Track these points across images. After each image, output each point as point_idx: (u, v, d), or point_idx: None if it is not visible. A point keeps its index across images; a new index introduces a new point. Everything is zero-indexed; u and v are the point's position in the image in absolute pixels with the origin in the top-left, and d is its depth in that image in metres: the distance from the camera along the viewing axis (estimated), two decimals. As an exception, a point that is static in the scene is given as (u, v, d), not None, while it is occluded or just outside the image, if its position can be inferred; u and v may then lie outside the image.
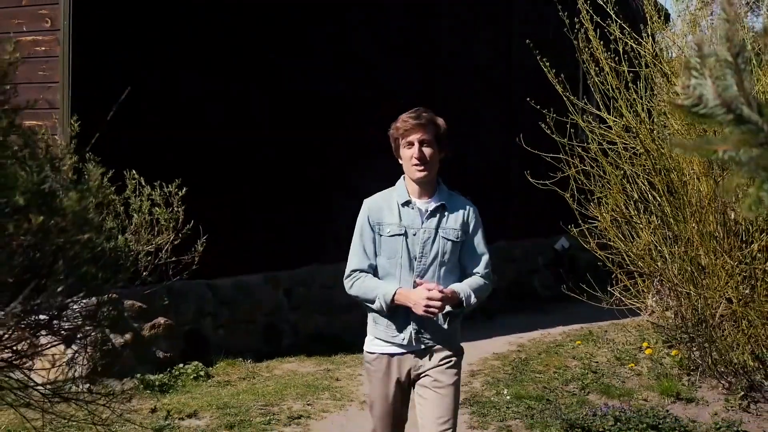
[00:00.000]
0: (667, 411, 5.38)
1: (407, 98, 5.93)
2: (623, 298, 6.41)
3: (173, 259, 3.94)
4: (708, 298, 5.87)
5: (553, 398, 5.70)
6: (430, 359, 3.75)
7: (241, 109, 7.03)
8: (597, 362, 6.50)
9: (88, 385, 5.16)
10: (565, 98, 6.54)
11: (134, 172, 3.64)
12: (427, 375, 3.74)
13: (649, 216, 6.33)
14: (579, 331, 7.46)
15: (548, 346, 7.07)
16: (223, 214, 6.66)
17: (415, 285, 3.69)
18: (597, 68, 6.40)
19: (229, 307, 6.83)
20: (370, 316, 3.82)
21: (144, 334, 6.04)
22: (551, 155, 6.53)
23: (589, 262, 7.43)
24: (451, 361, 3.78)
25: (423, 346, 3.73)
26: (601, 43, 6.44)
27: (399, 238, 3.76)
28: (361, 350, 3.84)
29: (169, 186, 3.89)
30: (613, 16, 6.25)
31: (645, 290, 6.32)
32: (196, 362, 6.26)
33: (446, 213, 3.80)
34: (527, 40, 6.51)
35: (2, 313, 1.92)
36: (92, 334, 2.40)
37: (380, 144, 4.05)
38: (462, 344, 3.86)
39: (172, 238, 3.76)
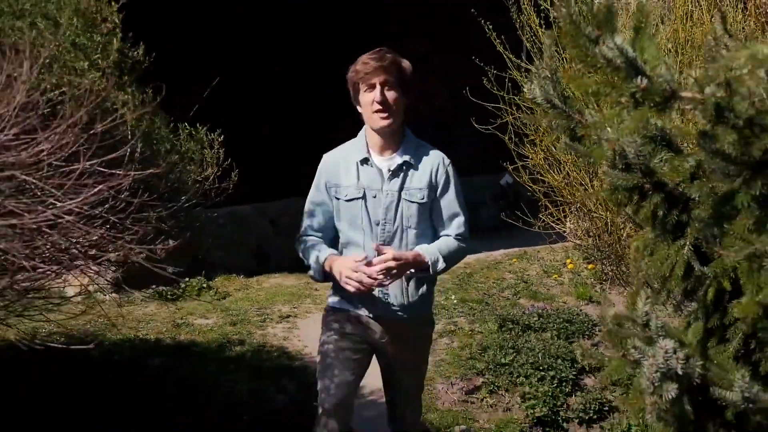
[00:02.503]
0: (581, 310, 6.78)
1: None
2: (551, 223, 7.78)
3: (216, 185, 5.20)
4: (618, 222, 7.25)
5: (491, 302, 7.08)
6: (397, 331, 3.48)
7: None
8: (528, 275, 7.88)
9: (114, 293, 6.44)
10: (505, 57, 7.80)
11: (186, 124, 4.84)
12: (392, 348, 3.50)
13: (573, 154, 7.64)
14: (516, 252, 8.82)
15: (489, 263, 8.44)
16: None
17: (378, 252, 3.33)
18: (531, 32, 7.65)
19: (226, 232, 8.14)
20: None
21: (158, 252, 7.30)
22: (492, 105, 7.79)
23: (529, 196, 8.71)
24: (420, 336, 3.59)
25: (388, 314, 3.46)
26: (534, 4, 7.67)
27: (358, 202, 3.41)
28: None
29: (213, 134, 5.19)
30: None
31: (566, 215, 7.69)
32: (199, 277, 7.55)
33: (411, 171, 3.43)
34: (472, 9, 7.70)
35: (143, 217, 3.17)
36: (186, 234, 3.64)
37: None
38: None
39: (215, 171, 5.04)
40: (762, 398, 1.97)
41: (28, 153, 2.31)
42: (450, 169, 3.50)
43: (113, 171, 2.54)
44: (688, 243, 2.35)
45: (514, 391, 5.69)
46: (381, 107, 3.34)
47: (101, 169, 2.56)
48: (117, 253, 2.52)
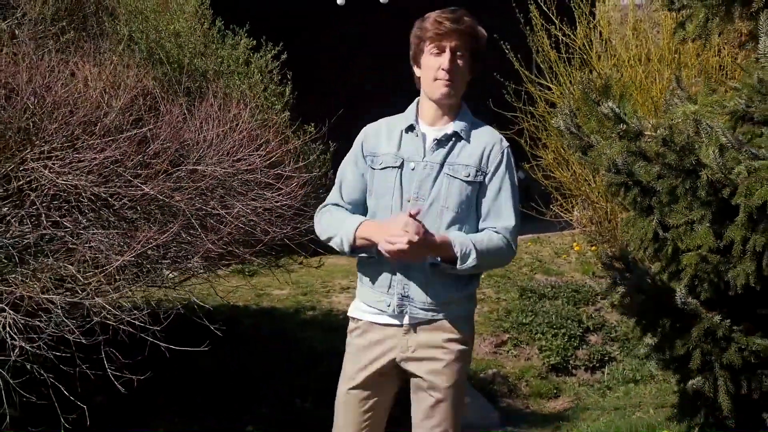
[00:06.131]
0: (585, 283, 8.28)
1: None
2: (560, 213, 9.25)
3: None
4: (616, 211, 8.72)
5: (512, 276, 8.55)
6: (424, 343, 2.91)
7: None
8: (542, 255, 9.35)
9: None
10: (521, 72, 9.25)
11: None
12: (418, 366, 2.92)
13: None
14: (531, 238, 10.24)
15: (508, 247, 9.92)
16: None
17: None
18: (543, 53, 9.09)
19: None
20: (359, 272, 3.05)
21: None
22: (511, 113, 9.25)
23: (539, 190, 10.16)
24: (453, 352, 2.91)
25: (411, 320, 2.91)
26: (545, 29, 9.11)
27: (392, 172, 2.90)
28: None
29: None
30: (556, 21, 8.91)
31: (573, 206, 9.18)
32: (268, 257, 9.04)
33: (460, 143, 2.92)
34: (494, 35, 9.15)
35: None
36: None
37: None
38: None
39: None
40: (691, 302, 3.47)
41: (247, 162, 3.81)
42: (507, 152, 3.00)
43: (292, 174, 4.01)
44: (655, 218, 3.81)
45: (533, 344, 7.21)
46: (447, 75, 2.88)
47: (282, 172, 4.04)
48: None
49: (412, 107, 3.03)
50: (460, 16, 2.88)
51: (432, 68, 2.88)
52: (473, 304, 3.07)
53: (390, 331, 2.93)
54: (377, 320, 2.95)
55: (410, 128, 2.97)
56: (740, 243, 3.33)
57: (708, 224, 3.42)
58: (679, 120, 3.30)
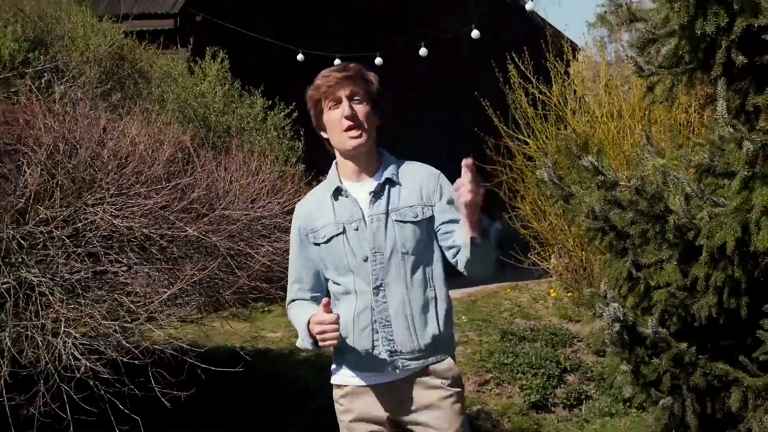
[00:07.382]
0: (563, 326, 8.76)
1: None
2: (538, 261, 9.76)
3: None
4: (591, 259, 9.23)
5: (493, 320, 9.03)
6: (419, 393, 2.91)
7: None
8: (521, 301, 9.84)
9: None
10: (500, 128, 9.83)
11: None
12: (417, 416, 2.92)
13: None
14: (510, 285, 10.75)
15: (489, 293, 10.38)
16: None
17: (378, 292, 2.86)
18: (521, 110, 9.68)
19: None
20: None
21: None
22: (490, 167, 9.80)
23: (518, 239, 10.67)
24: (450, 396, 2.93)
25: (405, 373, 2.91)
26: (523, 88, 9.71)
27: (338, 239, 2.89)
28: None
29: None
30: (533, 80, 9.53)
31: (550, 254, 9.70)
32: (261, 303, 9.45)
33: (396, 188, 2.91)
34: (475, 92, 9.77)
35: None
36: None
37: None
38: None
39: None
40: (662, 332, 3.96)
41: (267, 209, 4.28)
42: (443, 179, 3.00)
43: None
44: (629, 259, 4.28)
45: (515, 383, 7.66)
46: (351, 123, 2.85)
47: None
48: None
49: (332, 171, 3.01)
50: (345, 66, 2.91)
51: (335, 121, 2.88)
52: (455, 346, 3.10)
53: (382, 390, 2.93)
54: (366, 382, 2.94)
55: (336, 192, 2.95)
56: (703, 279, 3.82)
57: (675, 263, 3.91)
58: (650, 172, 3.81)
